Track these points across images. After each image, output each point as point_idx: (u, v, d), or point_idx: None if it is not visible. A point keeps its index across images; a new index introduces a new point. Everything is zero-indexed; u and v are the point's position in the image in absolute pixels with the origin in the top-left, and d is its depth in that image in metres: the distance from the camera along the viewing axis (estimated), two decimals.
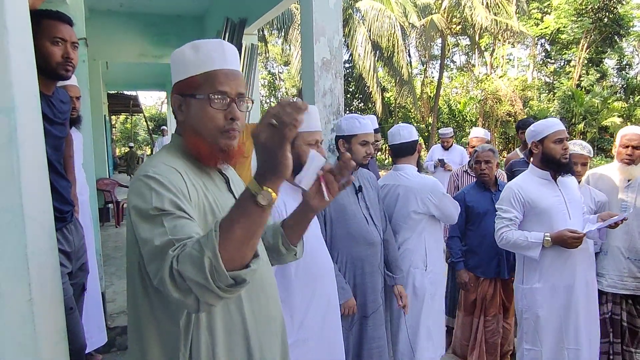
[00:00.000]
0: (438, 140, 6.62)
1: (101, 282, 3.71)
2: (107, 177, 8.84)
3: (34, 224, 1.21)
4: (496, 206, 2.71)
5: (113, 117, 22.68)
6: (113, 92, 14.86)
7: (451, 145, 6.33)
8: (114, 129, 24.64)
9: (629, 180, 2.91)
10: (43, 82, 1.94)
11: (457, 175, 4.27)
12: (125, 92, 15.57)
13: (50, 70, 1.93)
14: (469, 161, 4.28)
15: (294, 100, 0.87)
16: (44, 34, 1.90)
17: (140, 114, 20.69)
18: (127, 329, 1.20)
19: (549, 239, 2.49)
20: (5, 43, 1.12)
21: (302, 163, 1.89)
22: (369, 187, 2.64)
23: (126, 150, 18.23)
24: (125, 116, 26.18)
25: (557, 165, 2.57)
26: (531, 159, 2.71)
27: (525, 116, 22.45)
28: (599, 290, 2.87)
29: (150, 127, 23.37)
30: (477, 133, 4.61)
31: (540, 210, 2.57)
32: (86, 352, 2.69)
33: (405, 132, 2.82)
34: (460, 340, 3.25)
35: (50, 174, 1.97)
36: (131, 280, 1.14)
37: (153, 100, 36.79)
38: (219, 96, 1.14)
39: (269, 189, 0.91)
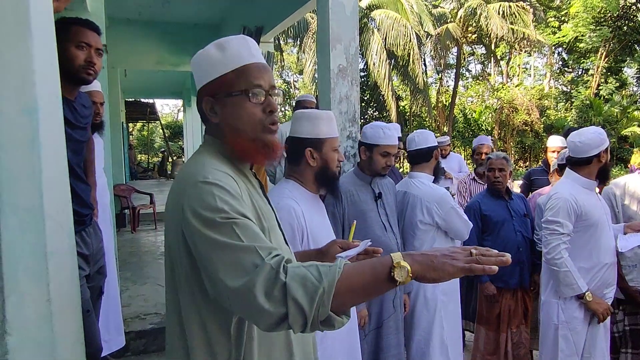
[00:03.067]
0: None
1: None
2: (124, 183, 8.95)
3: (54, 224, 1.22)
4: (550, 218, 2.52)
5: (130, 125, 23.03)
6: (130, 99, 15.10)
7: (448, 153, 6.35)
8: (131, 136, 24.99)
9: None
10: (66, 86, 1.95)
11: (467, 182, 4.26)
12: (142, 100, 15.81)
13: (73, 73, 1.96)
14: (476, 168, 4.28)
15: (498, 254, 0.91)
16: (70, 38, 1.94)
17: (156, 122, 20.99)
18: (167, 339, 1.15)
19: (591, 299, 2.44)
20: (29, 45, 1.14)
21: (329, 169, 1.90)
22: (388, 194, 2.62)
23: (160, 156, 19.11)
24: (142, 124, 26.56)
25: (607, 176, 2.63)
26: (571, 168, 2.63)
27: (542, 125, 22.23)
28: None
29: (166, 135, 23.65)
30: (484, 140, 4.53)
31: (591, 223, 2.49)
32: (103, 354, 2.71)
33: (420, 139, 2.75)
34: (484, 355, 3.16)
35: (70, 177, 1.98)
36: (173, 291, 1.10)
37: (170, 108, 37.22)
38: (256, 91, 1.12)
39: (409, 276, 0.90)
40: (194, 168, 1.08)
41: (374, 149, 2.47)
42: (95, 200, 2.44)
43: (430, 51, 20.44)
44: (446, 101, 23.82)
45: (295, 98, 4.06)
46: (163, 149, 19.41)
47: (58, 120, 1.38)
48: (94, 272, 2.26)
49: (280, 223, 1.26)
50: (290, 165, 1.95)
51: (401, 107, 22.25)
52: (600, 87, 21.65)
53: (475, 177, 4.24)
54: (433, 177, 2.80)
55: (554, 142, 4.15)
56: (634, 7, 21.03)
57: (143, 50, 7.48)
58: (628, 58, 22.55)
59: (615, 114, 19.86)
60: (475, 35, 21.24)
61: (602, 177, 2.60)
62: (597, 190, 2.91)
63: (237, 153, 1.15)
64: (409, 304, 2.67)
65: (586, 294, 2.43)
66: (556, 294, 2.56)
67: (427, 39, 18.64)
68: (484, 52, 25.01)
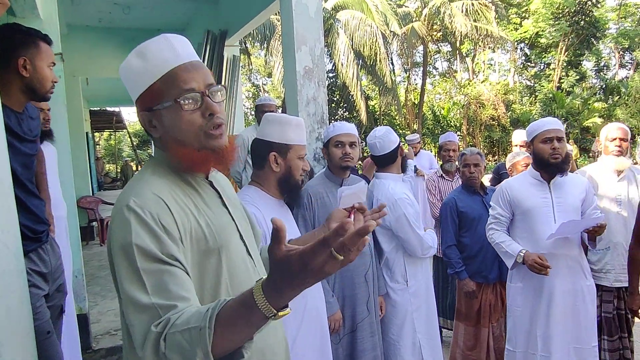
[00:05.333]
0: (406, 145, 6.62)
1: (85, 303, 3.60)
2: (91, 194, 8.67)
3: None
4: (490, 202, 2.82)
5: (97, 134, 22.43)
6: (96, 108, 14.71)
7: (419, 151, 6.34)
8: (97, 146, 24.32)
9: (619, 175, 2.91)
10: (19, 100, 1.94)
11: (435, 180, 4.23)
12: (108, 109, 15.43)
13: (44, 93, 1.97)
14: (442, 165, 4.29)
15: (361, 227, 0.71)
16: (43, 58, 1.94)
17: (124, 130, 20.49)
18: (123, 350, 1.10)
19: (520, 260, 2.47)
20: None
21: (293, 176, 1.86)
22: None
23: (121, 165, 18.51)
24: (109, 133, 25.92)
25: (545, 165, 2.50)
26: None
27: (509, 120, 22.77)
28: (606, 287, 2.84)
29: (134, 143, 23.11)
30: (451, 137, 4.52)
31: (523, 211, 2.58)
32: None
33: (382, 144, 2.62)
34: (463, 351, 3.14)
35: (22, 193, 1.90)
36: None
37: None
38: (188, 96, 1.02)
39: (283, 310, 0.79)
40: (130, 186, 1.04)
41: (328, 144, 2.48)
42: (51, 215, 2.33)
43: (397, 50, 20.68)
44: (415, 99, 24.12)
45: (255, 102, 4.01)
46: (126, 159, 18.80)
47: None
48: (54, 290, 2.15)
49: (242, 234, 1.18)
50: (255, 169, 1.93)
51: (371, 107, 22.42)
52: (562, 81, 22.35)
53: (443, 175, 4.24)
54: (401, 175, 2.73)
55: (518, 136, 4.20)
56: (589, 2, 21.80)
57: (105, 58, 7.26)
58: (586, 51, 23.36)
59: (577, 106, 20.52)
60: (440, 33, 21.61)
61: (544, 168, 2.54)
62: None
63: (184, 165, 1.08)
64: (384, 306, 2.58)
65: (518, 255, 2.49)
66: (510, 277, 2.67)
67: (393, 38, 18.82)
68: (450, 49, 25.46)
